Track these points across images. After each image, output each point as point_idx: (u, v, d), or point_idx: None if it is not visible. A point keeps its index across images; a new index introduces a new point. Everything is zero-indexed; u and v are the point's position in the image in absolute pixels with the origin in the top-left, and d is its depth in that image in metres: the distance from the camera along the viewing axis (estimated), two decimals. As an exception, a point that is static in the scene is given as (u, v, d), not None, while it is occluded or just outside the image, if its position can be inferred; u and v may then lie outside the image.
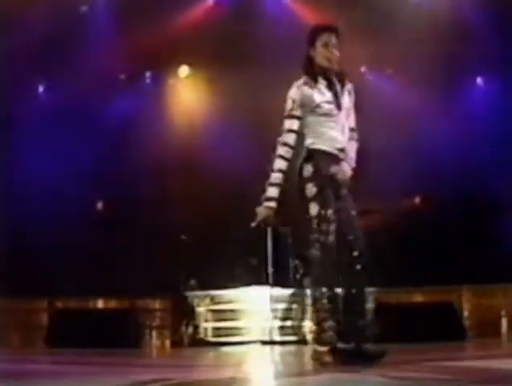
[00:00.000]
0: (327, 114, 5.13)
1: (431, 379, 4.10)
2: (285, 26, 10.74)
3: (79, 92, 10.37)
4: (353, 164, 5.25)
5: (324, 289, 4.98)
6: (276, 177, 5.10)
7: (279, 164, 5.11)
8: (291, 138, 5.14)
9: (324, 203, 5.01)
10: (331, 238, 4.98)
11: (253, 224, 5.16)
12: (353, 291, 5.08)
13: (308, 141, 5.18)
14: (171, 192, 10.53)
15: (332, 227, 5.00)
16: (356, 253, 5.06)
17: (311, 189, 5.05)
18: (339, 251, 5.04)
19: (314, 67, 5.21)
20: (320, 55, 5.18)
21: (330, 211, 5.01)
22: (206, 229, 10.06)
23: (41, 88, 11.22)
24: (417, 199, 10.76)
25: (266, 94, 10.10)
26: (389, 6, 10.04)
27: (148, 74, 11.45)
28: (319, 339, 5.00)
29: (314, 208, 5.03)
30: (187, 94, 11.44)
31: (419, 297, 9.32)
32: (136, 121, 10.69)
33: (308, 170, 5.10)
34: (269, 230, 9.15)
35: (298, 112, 5.14)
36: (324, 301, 4.98)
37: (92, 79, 10.29)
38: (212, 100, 11.04)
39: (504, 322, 9.10)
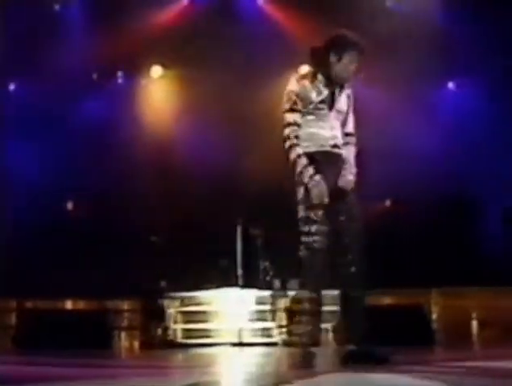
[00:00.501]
0: (316, 114, 5.13)
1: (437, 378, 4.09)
2: (259, 27, 10.78)
3: (50, 91, 10.31)
4: (353, 169, 5.26)
5: (308, 292, 4.98)
6: (303, 161, 5.03)
7: (296, 151, 5.06)
8: (296, 131, 5.10)
9: (310, 205, 5.00)
10: (316, 238, 4.97)
11: (315, 205, 5.02)
12: (351, 294, 5.09)
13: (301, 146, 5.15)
14: (142, 193, 10.47)
15: (317, 228, 4.98)
16: (350, 257, 5.07)
17: (300, 192, 5.07)
18: (333, 252, 5.06)
19: (323, 67, 5.19)
20: (344, 68, 5.16)
21: (314, 213, 4.99)
22: (176, 231, 10.03)
23: (12, 86, 11.10)
24: (387, 203, 10.82)
25: (240, 94, 10.14)
26: (363, 10, 10.07)
27: (120, 74, 11.39)
28: (296, 342, 5.00)
29: (301, 211, 5.06)
30: (160, 94, 11.40)
31: (388, 300, 9.32)
32: (108, 121, 10.63)
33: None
34: (239, 231, 9.14)
35: (299, 106, 5.12)
36: (306, 303, 4.98)
37: (63, 78, 10.23)
38: (185, 101, 11.01)
39: (474, 325, 9.14)
